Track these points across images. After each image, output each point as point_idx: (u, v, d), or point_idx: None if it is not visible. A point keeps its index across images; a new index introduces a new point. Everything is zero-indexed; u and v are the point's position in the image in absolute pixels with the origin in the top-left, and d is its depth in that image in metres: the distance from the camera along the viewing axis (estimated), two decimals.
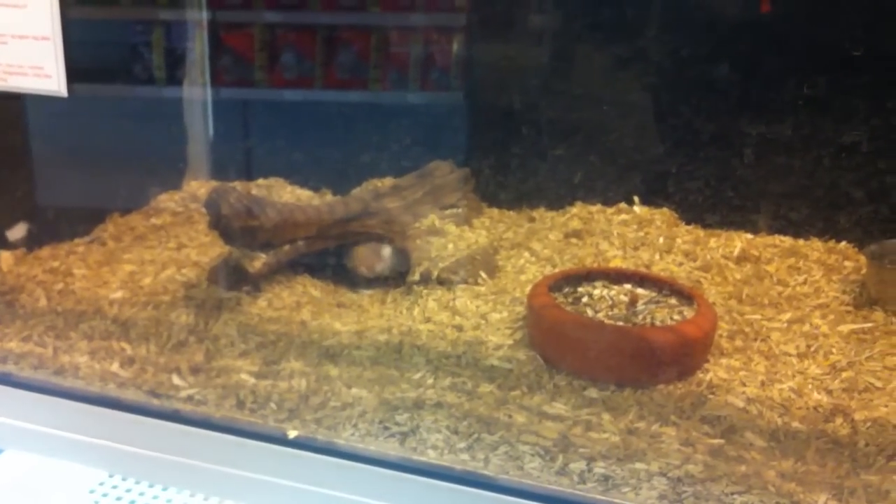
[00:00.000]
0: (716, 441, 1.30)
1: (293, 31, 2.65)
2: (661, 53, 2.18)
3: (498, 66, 2.42)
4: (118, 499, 1.82)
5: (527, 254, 1.91)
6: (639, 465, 1.25)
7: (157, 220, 2.12)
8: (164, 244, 1.98)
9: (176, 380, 1.47)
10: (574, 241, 1.96)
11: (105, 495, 1.83)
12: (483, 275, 1.77)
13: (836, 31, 1.89)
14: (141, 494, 1.82)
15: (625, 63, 2.22)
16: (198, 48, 2.37)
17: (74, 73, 1.47)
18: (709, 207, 2.11)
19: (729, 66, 2.04)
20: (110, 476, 1.88)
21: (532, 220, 2.10)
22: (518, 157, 2.33)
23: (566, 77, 2.37)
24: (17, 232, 1.92)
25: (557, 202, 2.14)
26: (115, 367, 1.51)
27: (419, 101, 2.62)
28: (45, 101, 1.50)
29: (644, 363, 1.42)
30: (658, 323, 1.51)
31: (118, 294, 1.72)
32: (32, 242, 1.91)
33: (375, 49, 2.60)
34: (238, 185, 2.25)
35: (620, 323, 1.51)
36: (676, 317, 1.53)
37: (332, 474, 1.32)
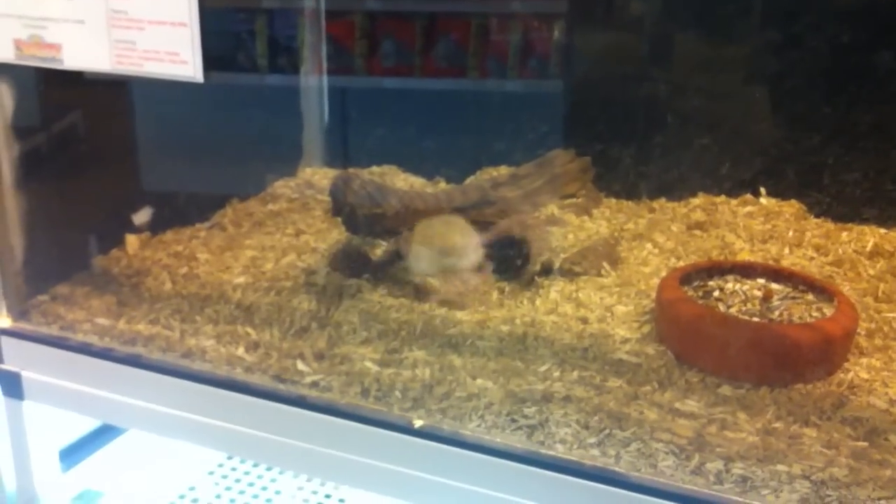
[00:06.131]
0: (859, 443, 1.25)
1: (393, 19, 2.67)
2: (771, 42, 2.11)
3: (599, 53, 2.38)
4: (237, 481, 1.85)
5: (649, 245, 1.85)
6: (780, 467, 1.21)
7: (273, 207, 2.13)
8: (283, 230, 1.99)
9: (300, 365, 1.47)
10: (697, 232, 1.91)
11: (224, 477, 1.87)
12: (606, 266, 1.73)
13: None
14: (259, 477, 1.86)
15: (724, 53, 2.16)
16: (309, 36, 2.39)
17: None
18: (843, 200, 2.03)
19: (882, 53, 1.95)
20: (228, 458, 1.91)
21: (652, 210, 2.04)
22: (633, 147, 2.28)
23: (669, 65, 2.32)
24: (142, 216, 1.96)
25: (677, 193, 2.08)
26: (240, 351, 1.52)
27: (518, 88, 2.61)
28: (163, 90, 1.52)
29: (786, 362, 1.36)
30: (796, 320, 1.45)
31: (241, 279, 1.74)
32: (156, 226, 1.95)
33: (475, 37, 2.59)
34: (353, 172, 2.26)
35: (756, 319, 1.46)
36: (815, 314, 1.46)
37: (458, 465, 1.31)
